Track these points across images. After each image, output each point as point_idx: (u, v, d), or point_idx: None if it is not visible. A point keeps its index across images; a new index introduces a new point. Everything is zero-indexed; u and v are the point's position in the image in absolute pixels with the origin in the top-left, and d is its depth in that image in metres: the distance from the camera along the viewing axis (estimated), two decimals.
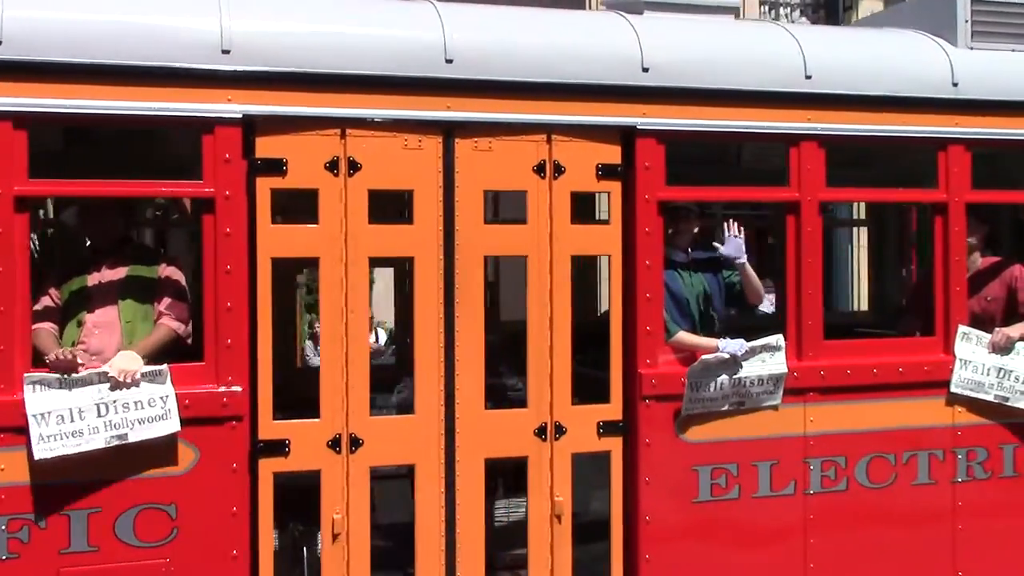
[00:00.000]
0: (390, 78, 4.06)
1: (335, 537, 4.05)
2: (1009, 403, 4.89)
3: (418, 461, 4.18)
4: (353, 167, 4.04)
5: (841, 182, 4.93)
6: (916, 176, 5.40)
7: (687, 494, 4.46)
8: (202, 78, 3.85)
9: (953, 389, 4.82)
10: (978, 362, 4.85)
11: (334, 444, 4.06)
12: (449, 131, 4.16)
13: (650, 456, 4.40)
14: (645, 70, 4.37)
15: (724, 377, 4.44)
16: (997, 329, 4.92)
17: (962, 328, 4.86)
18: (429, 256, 4.15)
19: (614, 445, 4.41)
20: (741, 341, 4.46)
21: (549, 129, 4.27)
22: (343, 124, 4.02)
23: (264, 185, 3.96)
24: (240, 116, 3.89)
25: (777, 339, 4.53)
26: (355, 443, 4.07)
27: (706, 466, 4.49)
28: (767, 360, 4.50)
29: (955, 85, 4.83)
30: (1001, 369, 4.88)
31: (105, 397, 3.67)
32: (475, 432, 4.21)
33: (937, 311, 4.88)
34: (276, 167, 3.96)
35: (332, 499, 4.06)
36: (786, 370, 4.52)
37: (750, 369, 4.48)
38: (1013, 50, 5.03)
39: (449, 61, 4.14)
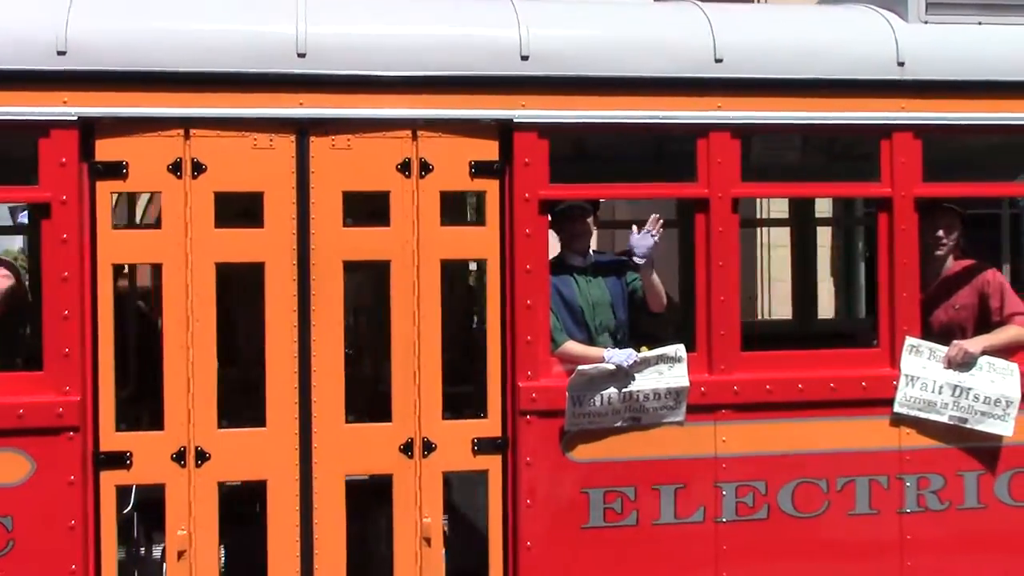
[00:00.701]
0: (236, 75, 3.86)
1: (180, 555, 3.89)
2: (968, 425, 4.29)
3: (271, 477, 3.96)
4: (197, 169, 3.86)
5: None
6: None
7: (575, 519, 4.08)
8: (36, 80, 3.76)
9: (897, 409, 4.26)
10: (928, 378, 4.27)
11: (178, 457, 3.89)
12: (303, 129, 3.93)
13: (532, 476, 4.05)
14: (524, 58, 4.03)
15: (612, 390, 4.04)
16: (954, 342, 4.33)
17: (910, 340, 4.29)
18: (282, 262, 3.93)
19: (492, 464, 4.08)
20: (630, 351, 4.06)
21: (414, 124, 3.98)
22: (186, 124, 3.85)
23: (104, 189, 3.84)
24: (76, 118, 3.77)
25: (676, 349, 4.10)
26: (201, 457, 3.89)
27: (598, 489, 4.10)
28: (664, 372, 4.08)
29: (901, 65, 4.28)
30: (956, 387, 4.28)
31: None
32: (334, 448, 3.97)
33: (882, 320, 4.33)
34: (116, 170, 3.83)
35: (177, 515, 3.90)
36: (687, 383, 4.08)
37: (644, 382, 4.07)
38: (980, 23, 4.44)
39: (302, 55, 3.91)
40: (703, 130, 4.16)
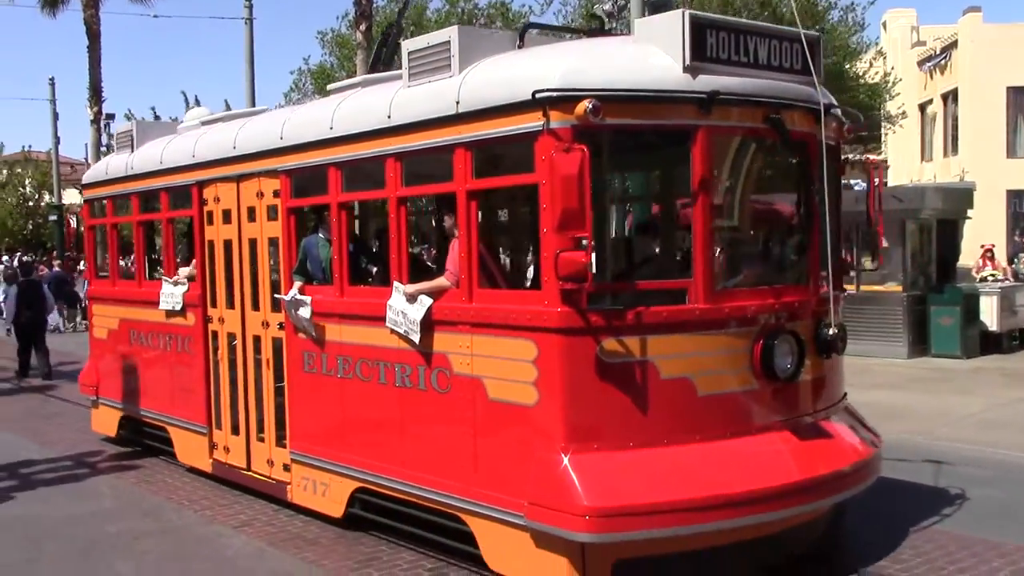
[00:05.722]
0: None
1: None
2: (408, 336, 6.93)
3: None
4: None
5: None
6: None
7: (302, 366, 8.19)
8: None
9: (387, 324, 7.14)
10: (395, 306, 7.05)
11: None
12: (237, 180, 8.89)
13: (291, 346, 8.32)
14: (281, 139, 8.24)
15: (292, 311, 8.06)
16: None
17: (396, 284, 7.09)
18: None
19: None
20: (293, 293, 7.96)
21: (245, 177, 8.58)
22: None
23: None
24: None
25: (306, 300, 7.84)
26: None
27: (308, 353, 8.12)
28: (302, 308, 7.89)
29: (389, 117, 7.07)
30: (402, 312, 6.97)
31: None
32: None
33: (391, 274, 7.20)
34: None
35: None
36: (310, 314, 7.81)
37: (300, 311, 7.95)
38: (430, 81, 6.80)
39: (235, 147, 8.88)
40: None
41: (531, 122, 5.98)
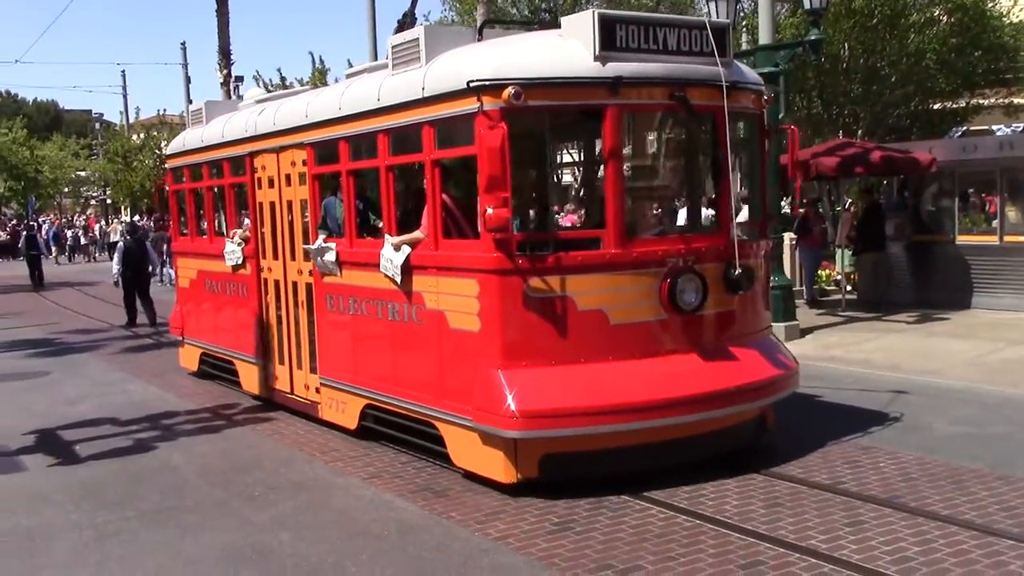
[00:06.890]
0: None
1: None
2: (395, 279, 8.55)
3: None
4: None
5: None
6: None
7: (325, 306, 9.91)
8: None
9: (380, 270, 8.77)
10: (385, 254, 8.67)
11: None
12: (277, 151, 10.61)
13: (319, 288, 10.04)
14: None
15: (316, 258, 9.73)
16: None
17: (387, 236, 8.71)
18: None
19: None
20: (319, 243, 9.63)
21: (284, 149, 10.27)
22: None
23: None
24: None
25: (331, 246, 9.51)
26: None
27: (331, 295, 9.82)
28: (327, 254, 9.55)
29: (378, 100, 8.65)
30: (389, 259, 8.58)
31: None
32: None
33: (384, 229, 8.80)
34: None
35: None
36: (335, 257, 9.47)
37: (324, 256, 9.63)
38: (406, 71, 8.35)
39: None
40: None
41: (471, 105, 7.47)
